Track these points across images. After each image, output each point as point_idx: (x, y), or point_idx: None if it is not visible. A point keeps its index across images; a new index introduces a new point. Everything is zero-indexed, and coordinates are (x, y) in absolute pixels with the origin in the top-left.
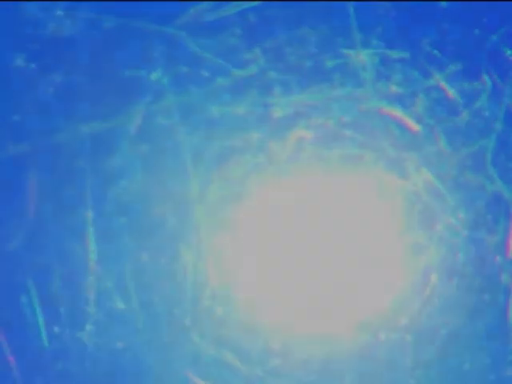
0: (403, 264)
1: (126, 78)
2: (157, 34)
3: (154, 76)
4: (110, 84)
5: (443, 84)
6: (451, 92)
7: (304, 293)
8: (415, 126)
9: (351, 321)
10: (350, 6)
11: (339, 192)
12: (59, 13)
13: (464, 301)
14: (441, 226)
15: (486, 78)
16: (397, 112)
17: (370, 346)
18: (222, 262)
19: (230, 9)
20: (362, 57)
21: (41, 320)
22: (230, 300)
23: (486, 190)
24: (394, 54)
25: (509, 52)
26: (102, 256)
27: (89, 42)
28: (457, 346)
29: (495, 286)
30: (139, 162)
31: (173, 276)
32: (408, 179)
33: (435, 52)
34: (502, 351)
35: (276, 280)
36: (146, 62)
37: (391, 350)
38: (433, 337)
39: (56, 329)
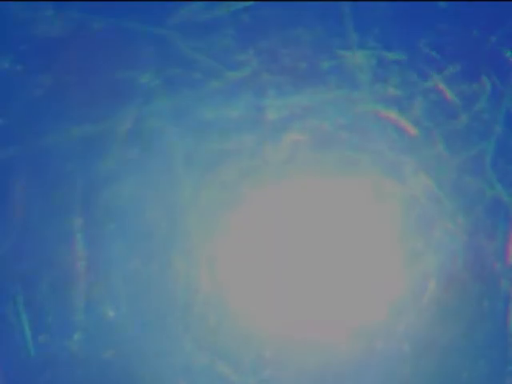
0: (400, 270)
1: (117, 79)
2: (147, 35)
3: (145, 78)
4: (99, 86)
5: (441, 86)
6: (450, 94)
7: (299, 300)
8: (413, 130)
9: (347, 330)
10: (346, 5)
11: (335, 197)
12: (48, 13)
13: (462, 308)
14: (439, 231)
15: (485, 80)
16: (394, 115)
17: (366, 356)
18: (215, 268)
19: (223, 9)
20: (359, 58)
21: (27, 328)
22: (223, 308)
23: (485, 195)
24: (391, 56)
25: (508, 53)
26: (92, 262)
27: (78, 43)
28: (455, 355)
29: (495, 293)
30: (130, 166)
31: (165, 283)
32: (405, 184)
33: (433, 53)
34: (501, 361)
35: (270, 287)
36: (137, 64)
37: (388, 360)
38: (431, 346)
39: (44, 337)
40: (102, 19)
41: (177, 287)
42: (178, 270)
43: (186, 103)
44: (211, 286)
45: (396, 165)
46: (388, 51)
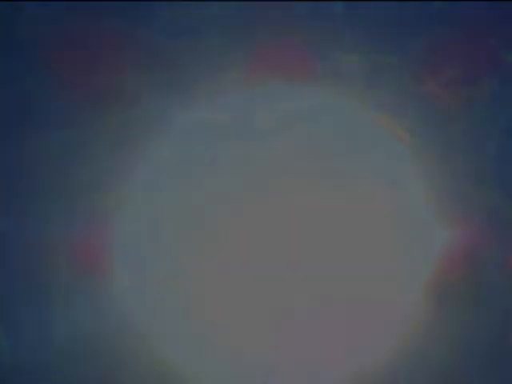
0: (396, 278)
1: (100, 84)
2: (132, 37)
3: (131, 82)
4: (82, 91)
5: (438, 90)
6: (447, 99)
7: (290, 315)
8: (408, 135)
9: (340, 352)
10: (340, 7)
11: (329, 204)
12: (32, 13)
13: (462, 321)
14: (436, 240)
15: (483, 83)
16: (389, 120)
17: (361, 368)
18: (199, 284)
19: (211, 9)
20: (353, 62)
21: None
22: (208, 327)
23: (484, 203)
24: (386, 59)
25: (507, 57)
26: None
27: (61, 46)
28: (455, 369)
29: (495, 306)
30: (115, 173)
31: (150, 299)
32: (401, 190)
33: (430, 57)
34: (503, 375)
35: (260, 302)
36: (121, 67)
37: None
38: (427, 357)
39: (16, 353)
40: (87, 20)
41: (164, 298)
42: (163, 284)
43: (172, 106)
44: (197, 303)
45: (391, 171)
46: (383, 54)
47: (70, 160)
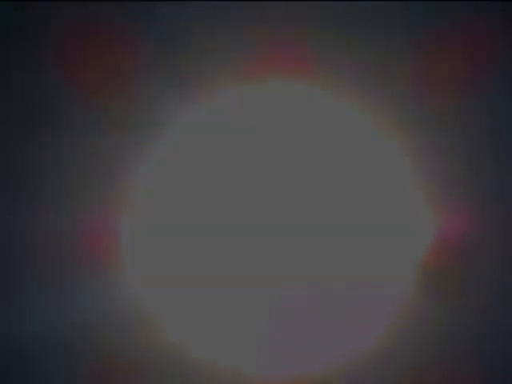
0: (389, 271)
1: (100, 84)
2: (132, 37)
3: (131, 82)
4: (82, 91)
5: (438, 86)
6: (448, 94)
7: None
8: (411, 130)
9: (329, 339)
10: (342, 5)
11: (327, 200)
12: (31, 12)
13: (453, 310)
14: (430, 232)
15: (483, 83)
16: (392, 116)
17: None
18: (203, 277)
19: (211, 9)
20: (355, 59)
21: None
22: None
23: (482, 201)
24: (387, 57)
25: (507, 51)
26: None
27: (60, 45)
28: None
29: (487, 295)
30: (116, 171)
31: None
32: (402, 190)
33: (429, 53)
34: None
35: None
36: (121, 67)
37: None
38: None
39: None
40: (86, 20)
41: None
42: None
43: (172, 106)
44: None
45: (392, 169)
46: (384, 52)
47: (71, 158)
